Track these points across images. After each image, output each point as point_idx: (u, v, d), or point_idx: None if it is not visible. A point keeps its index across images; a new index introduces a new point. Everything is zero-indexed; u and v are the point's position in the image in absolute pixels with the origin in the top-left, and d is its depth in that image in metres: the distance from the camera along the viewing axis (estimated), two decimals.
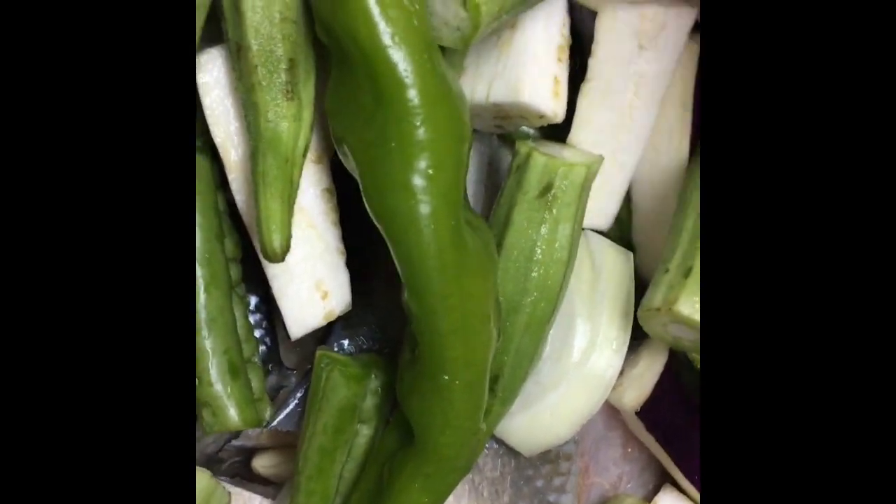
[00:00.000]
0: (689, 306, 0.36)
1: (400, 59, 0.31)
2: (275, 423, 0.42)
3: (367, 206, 0.33)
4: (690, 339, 0.38)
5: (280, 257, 0.33)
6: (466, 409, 0.35)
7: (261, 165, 0.34)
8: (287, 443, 0.47)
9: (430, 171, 0.32)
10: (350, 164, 0.34)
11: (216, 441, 0.44)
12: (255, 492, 0.45)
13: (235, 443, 0.47)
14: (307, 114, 0.35)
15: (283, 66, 0.34)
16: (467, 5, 0.33)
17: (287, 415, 0.42)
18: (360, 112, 0.32)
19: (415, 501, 0.37)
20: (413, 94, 0.31)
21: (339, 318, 0.41)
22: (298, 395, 0.43)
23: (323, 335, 0.43)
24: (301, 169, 0.35)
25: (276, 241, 0.33)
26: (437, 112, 0.32)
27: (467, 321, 0.33)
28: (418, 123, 0.31)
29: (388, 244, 0.33)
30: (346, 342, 0.42)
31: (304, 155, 0.35)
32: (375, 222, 0.33)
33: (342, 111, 0.33)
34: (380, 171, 0.32)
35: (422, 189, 0.32)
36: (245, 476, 0.47)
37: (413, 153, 0.31)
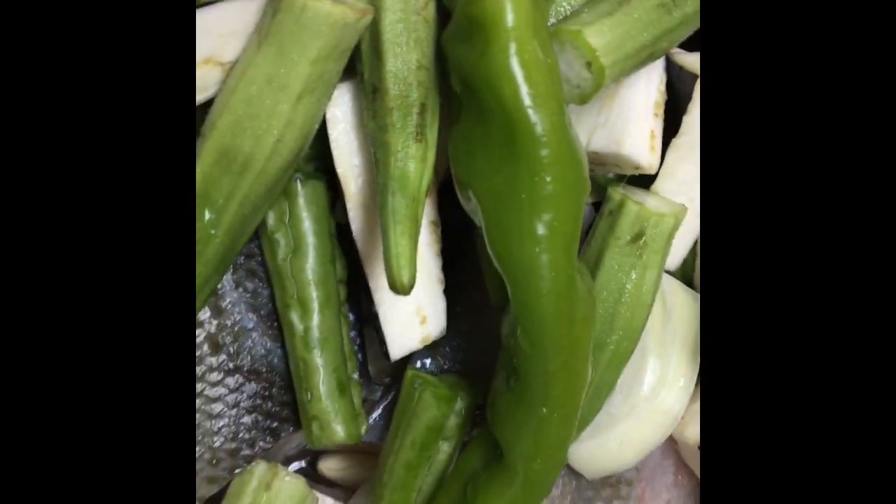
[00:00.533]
0: None
1: (538, 119, 0.33)
2: None
3: (489, 248, 0.35)
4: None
5: (408, 291, 0.35)
6: (559, 441, 0.38)
7: (390, 203, 0.36)
8: (352, 448, 0.50)
9: (555, 223, 0.34)
10: (471, 207, 0.36)
11: (298, 445, 0.46)
12: (325, 493, 0.47)
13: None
14: (431, 155, 0.37)
15: (416, 110, 0.36)
16: (592, 67, 0.36)
17: (370, 426, 0.45)
18: (491, 161, 0.35)
19: None
20: (546, 153, 0.34)
21: None
22: (380, 408, 0.45)
23: (406, 356, 0.45)
24: (423, 208, 0.37)
25: (405, 277, 0.35)
26: (566, 170, 0.34)
27: (572, 363, 0.36)
28: (549, 179, 0.34)
29: (507, 285, 0.35)
30: (428, 361, 0.45)
31: (427, 194, 0.37)
32: (496, 264, 0.35)
33: (470, 158, 0.35)
34: (506, 218, 0.34)
35: (545, 239, 0.34)
36: (312, 477, 0.50)
37: (541, 206, 0.34)
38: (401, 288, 0.35)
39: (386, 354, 0.41)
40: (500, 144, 0.34)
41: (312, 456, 0.50)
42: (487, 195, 0.35)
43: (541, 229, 0.34)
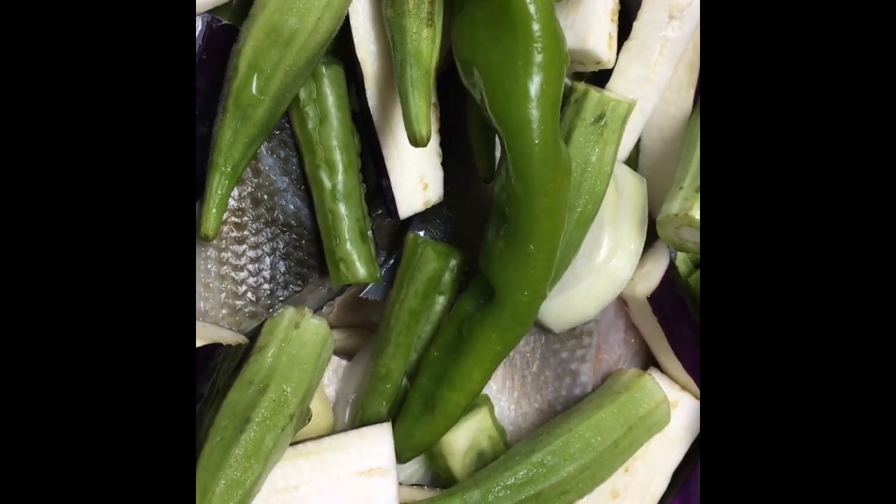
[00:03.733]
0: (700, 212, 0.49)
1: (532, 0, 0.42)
2: (364, 292, 0.52)
3: (489, 110, 0.44)
4: (694, 242, 0.50)
5: (426, 142, 0.43)
6: (543, 274, 0.46)
7: (409, 73, 0.44)
8: (350, 323, 0.57)
9: (544, 86, 0.43)
10: (472, 81, 0.44)
11: (318, 300, 0.53)
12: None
13: None
14: (439, 39, 0.45)
15: None
16: None
17: (373, 287, 0.52)
18: (492, 39, 0.43)
19: (491, 347, 0.47)
20: (538, 27, 0.42)
21: (418, 214, 0.52)
22: (382, 270, 0.53)
23: (400, 227, 0.53)
24: (434, 80, 0.45)
25: (423, 130, 0.43)
26: (553, 43, 0.43)
27: (555, 205, 0.45)
28: (539, 48, 0.42)
29: (503, 139, 0.44)
30: (422, 232, 0.53)
31: (435, 71, 0.45)
32: (495, 123, 0.44)
33: (473, 38, 0.44)
34: (505, 84, 0.43)
35: (536, 98, 0.43)
36: None
37: (533, 71, 0.42)
38: (420, 140, 0.43)
39: (394, 215, 0.49)
40: (498, 23, 0.43)
41: None
42: (488, 66, 0.43)
43: (533, 90, 0.43)
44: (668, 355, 0.56)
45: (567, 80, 0.54)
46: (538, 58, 0.42)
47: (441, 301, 0.51)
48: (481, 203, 0.53)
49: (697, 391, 0.56)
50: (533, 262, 0.45)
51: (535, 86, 0.43)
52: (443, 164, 0.51)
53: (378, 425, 0.49)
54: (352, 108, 0.49)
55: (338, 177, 0.46)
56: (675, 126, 0.55)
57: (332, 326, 0.56)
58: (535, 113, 0.43)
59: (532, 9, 0.42)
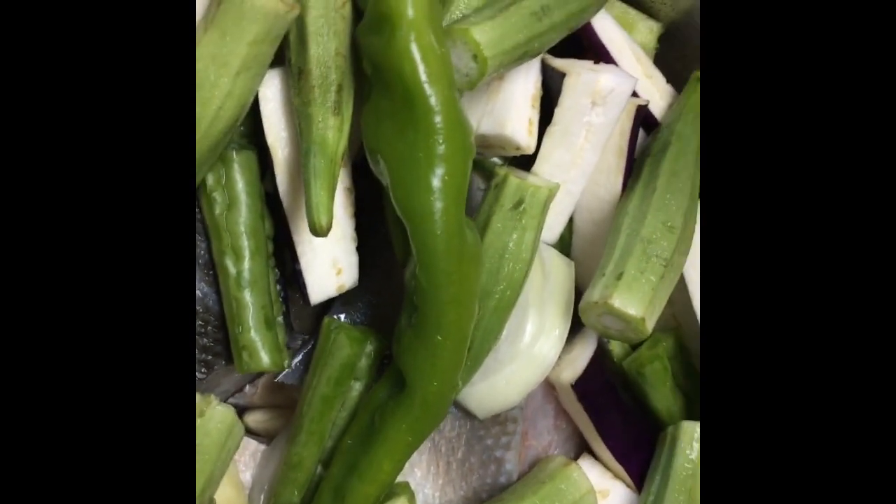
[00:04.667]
0: (620, 301, 0.48)
1: (432, 91, 0.42)
2: (280, 377, 0.51)
3: (393, 200, 0.43)
4: (617, 329, 0.49)
5: (326, 232, 0.43)
6: (452, 365, 0.45)
7: (312, 162, 0.44)
8: (275, 403, 0.56)
9: (446, 177, 0.42)
10: (379, 169, 0.44)
11: (221, 397, 0.53)
12: (250, 438, 0.54)
13: (231, 401, 0.55)
14: (346, 127, 0.45)
15: (334, 88, 0.44)
16: (477, 59, 0.45)
17: (290, 371, 0.51)
18: (396, 129, 0.43)
19: (402, 437, 0.46)
20: (439, 120, 0.42)
21: (339, 297, 0.51)
22: (301, 354, 0.52)
23: (323, 310, 0.52)
24: (339, 169, 0.45)
25: (324, 220, 0.43)
26: (455, 134, 0.42)
27: (461, 295, 0.44)
28: (441, 140, 0.42)
29: (408, 231, 0.43)
30: (342, 315, 0.52)
31: (342, 158, 0.45)
32: (399, 214, 0.43)
33: (378, 128, 0.43)
34: (407, 175, 0.42)
35: (438, 190, 0.42)
36: None
37: (435, 163, 0.42)
38: (319, 229, 0.43)
39: (306, 300, 0.48)
40: (402, 115, 0.42)
41: (239, 411, 0.56)
42: (392, 157, 0.43)
43: (435, 182, 0.42)
44: (598, 442, 0.55)
45: (496, 160, 0.54)
46: (440, 149, 0.42)
47: (357, 387, 0.50)
48: (404, 288, 0.52)
49: (629, 480, 0.55)
50: (441, 352, 0.45)
51: (437, 178, 0.42)
52: (366, 247, 0.50)
53: None
54: (267, 192, 0.49)
55: (243, 264, 0.46)
56: (605, 209, 0.55)
57: (255, 407, 0.56)
58: (437, 205, 0.42)
59: (433, 101, 0.42)
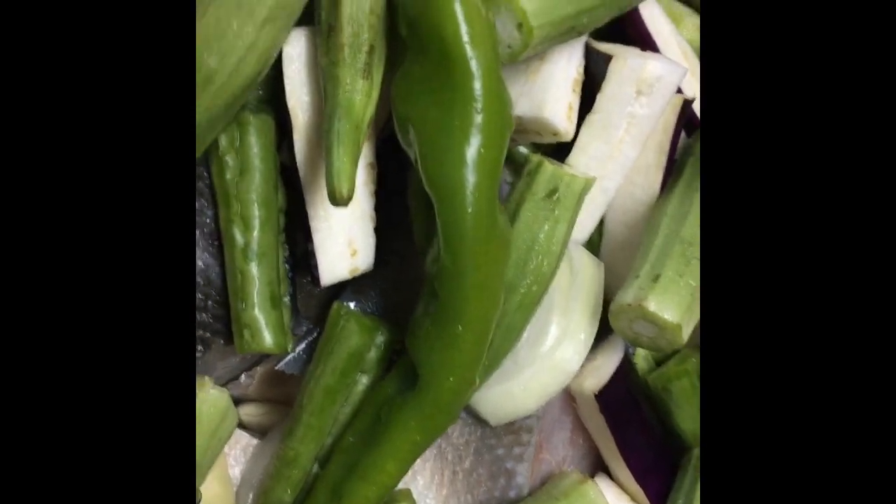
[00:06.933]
0: (656, 304, 0.44)
1: (474, 56, 0.38)
2: (280, 364, 0.47)
3: (421, 173, 0.39)
4: (649, 336, 0.46)
5: (346, 202, 0.39)
6: (471, 359, 0.41)
7: (336, 126, 0.40)
8: (272, 397, 0.52)
9: (482, 150, 0.39)
10: (408, 140, 0.40)
11: (224, 374, 0.48)
12: (243, 431, 0.50)
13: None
14: (375, 93, 0.42)
15: (366, 49, 0.41)
16: (522, 28, 0.41)
17: (292, 359, 0.47)
18: (430, 95, 0.39)
19: (409, 437, 0.42)
20: (478, 86, 0.38)
21: (350, 283, 0.47)
22: (304, 343, 0.48)
23: (332, 297, 0.48)
24: (364, 137, 0.41)
25: (344, 189, 0.39)
26: (495, 103, 0.39)
27: (488, 282, 0.40)
28: (479, 109, 0.38)
29: (435, 208, 0.39)
30: (353, 304, 0.48)
31: (368, 126, 0.41)
32: (427, 188, 0.39)
33: (410, 94, 0.40)
34: (440, 144, 0.39)
35: (473, 162, 0.39)
36: None
37: (471, 133, 0.38)
38: (340, 198, 0.39)
39: (317, 282, 0.44)
40: (438, 79, 0.39)
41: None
42: (424, 124, 0.39)
43: (470, 154, 0.39)
44: (616, 460, 0.51)
45: (524, 149, 0.50)
46: (478, 119, 0.38)
47: (363, 381, 0.46)
48: (423, 278, 0.48)
49: (647, 502, 0.51)
50: (461, 344, 0.41)
51: (471, 149, 0.38)
52: (381, 231, 0.47)
53: None
54: (283, 163, 0.45)
55: (252, 234, 0.42)
56: (640, 210, 0.51)
57: (250, 400, 0.52)
58: (470, 178, 0.39)
59: (473, 65, 0.38)
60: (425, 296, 0.43)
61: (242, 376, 0.50)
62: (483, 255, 0.39)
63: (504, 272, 0.41)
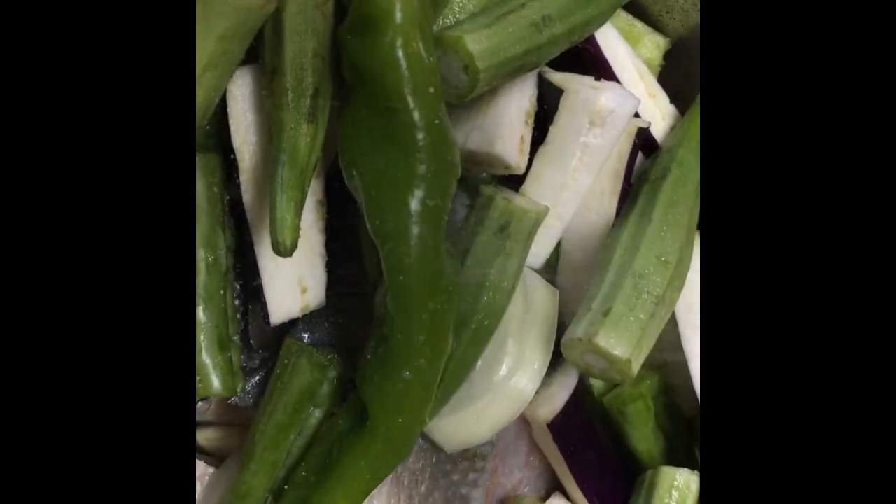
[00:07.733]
0: (605, 340, 0.44)
1: (416, 106, 0.38)
2: (233, 399, 0.47)
3: (367, 220, 0.39)
4: (600, 369, 0.46)
5: (289, 252, 0.39)
6: (419, 403, 0.42)
7: (280, 173, 0.40)
8: (228, 420, 0.52)
9: (426, 200, 0.38)
10: (354, 185, 0.40)
11: None
12: (200, 459, 0.50)
13: None
14: (321, 135, 0.41)
15: (310, 93, 0.40)
16: (469, 71, 0.41)
17: (247, 392, 0.48)
18: (374, 143, 0.39)
19: (359, 476, 0.43)
20: (421, 137, 0.38)
21: (302, 318, 0.47)
22: (258, 376, 0.48)
23: (285, 330, 0.48)
24: (310, 181, 0.41)
25: (287, 241, 0.39)
26: (438, 153, 0.39)
27: (435, 330, 0.40)
28: (422, 160, 0.38)
29: (381, 255, 0.39)
30: (306, 335, 0.48)
31: (314, 170, 0.41)
32: (372, 236, 0.39)
33: (356, 139, 0.39)
34: (384, 194, 0.39)
35: (416, 213, 0.38)
36: None
37: (415, 183, 0.38)
38: (283, 249, 0.39)
39: (267, 320, 0.44)
40: (381, 127, 0.38)
41: None
42: (368, 173, 0.39)
43: (413, 205, 0.38)
44: (571, 483, 0.51)
45: (484, 175, 0.50)
46: (421, 169, 0.38)
47: (317, 414, 0.46)
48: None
49: None
50: (409, 389, 0.41)
51: (415, 200, 0.38)
52: (333, 262, 0.46)
53: None
54: (232, 199, 0.45)
55: (199, 279, 0.42)
56: (596, 235, 0.51)
57: (208, 423, 0.52)
58: (413, 230, 0.38)
59: (416, 116, 0.38)
60: (374, 338, 0.43)
61: (199, 402, 0.50)
62: (429, 307, 0.39)
63: (451, 319, 0.41)
